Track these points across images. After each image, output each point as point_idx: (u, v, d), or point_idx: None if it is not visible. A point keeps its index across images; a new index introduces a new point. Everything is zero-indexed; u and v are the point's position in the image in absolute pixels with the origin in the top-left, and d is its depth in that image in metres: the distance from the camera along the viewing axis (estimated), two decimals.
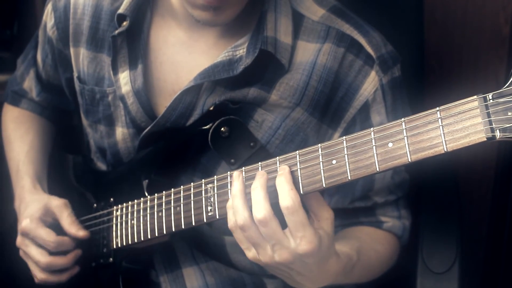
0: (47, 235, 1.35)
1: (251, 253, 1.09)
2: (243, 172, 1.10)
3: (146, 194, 1.31)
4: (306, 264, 1.06)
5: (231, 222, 1.07)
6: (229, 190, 1.13)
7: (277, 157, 1.08)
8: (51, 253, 1.36)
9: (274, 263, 1.06)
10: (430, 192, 1.57)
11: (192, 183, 1.20)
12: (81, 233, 1.37)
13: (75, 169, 1.53)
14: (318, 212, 1.06)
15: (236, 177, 1.08)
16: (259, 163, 1.10)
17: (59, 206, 1.39)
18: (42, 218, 1.38)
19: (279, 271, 1.10)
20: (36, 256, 1.36)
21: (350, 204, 1.35)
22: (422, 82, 1.74)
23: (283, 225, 1.04)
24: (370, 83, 1.28)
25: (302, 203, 1.03)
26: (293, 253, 1.04)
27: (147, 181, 1.32)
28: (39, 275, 1.38)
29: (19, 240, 1.39)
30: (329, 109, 1.29)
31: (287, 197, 1.02)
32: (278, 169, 1.06)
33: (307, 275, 1.09)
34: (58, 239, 1.36)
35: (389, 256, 1.36)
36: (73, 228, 1.37)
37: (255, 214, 1.03)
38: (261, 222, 1.03)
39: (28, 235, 1.37)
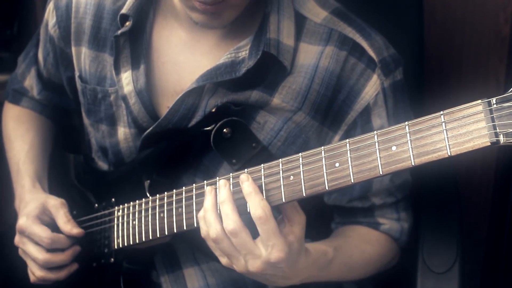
0: (42, 232, 1.35)
1: (224, 260, 1.14)
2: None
3: (148, 195, 1.31)
4: (278, 268, 1.10)
5: (203, 232, 1.12)
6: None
7: (280, 160, 1.08)
8: (49, 250, 1.36)
9: (247, 272, 1.11)
10: (431, 192, 1.57)
11: (194, 184, 1.20)
12: (75, 230, 1.37)
13: (76, 169, 1.53)
14: (291, 216, 1.09)
15: (209, 192, 1.13)
16: (262, 165, 1.10)
17: (55, 205, 1.39)
18: (39, 216, 1.38)
19: (254, 277, 1.15)
20: (33, 253, 1.36)
21: (348, 203, 1.36)
22: (422, 82, 1.73)
23: (255, 234, 1.08)
24: (372, 87, 1.28)
25: (275, 207, 1.08)
26: (265, 262, 1.08)
27: (148, 181, 1.32)
28: (37, 273, 1.37)
29: (17, 239, 1.39)
30: (331, 111, 1.30)
31: (258, 208, 1.06)
32: (241, 179, 1.10)
33: (280, 275, 1.13)
34: (53, 236, 1.35)
35: (379, 257, 1.37)
36: (68, 226, 1.36)
37: (225, 226, 1.08)
38: (231, 233, 1.07)
39: (25, 233, 1.37)
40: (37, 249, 1.36)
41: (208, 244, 1.13)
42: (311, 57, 1.28)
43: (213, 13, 1.18)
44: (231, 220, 1.07)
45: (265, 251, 1.07)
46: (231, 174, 1.14)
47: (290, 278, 1.16)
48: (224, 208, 1.09)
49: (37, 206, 1.39)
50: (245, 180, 1.09)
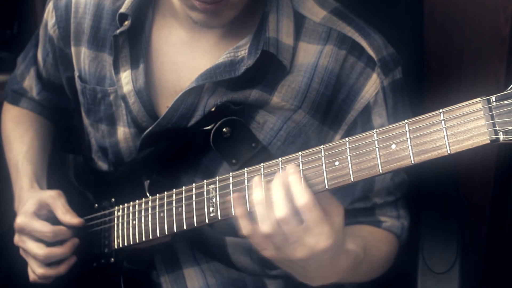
0: (43, 227, 1.35)
1: (267, 252, 1.09)
2: (246, 173, 1.10)
3: (148, 195, 1.31)
4: (321, 260, 1.06)
5: (246, 230, 1.08)
6: (231, 191, 1.13)
7: (280, 158, 1.08)
8: (50, 244, 1.36)
9: (292, 260, 1.07)
10: (431, 192, 1.57)
11: (194, 184, 1.20)
12: (75, 220, 1.36)
13: (75, 169, 1.53)
14: (329, 208, 1.06)
15: (258, 183, 1.08)
16: (261, 164, 1.10)
17: (52, 196, 1.39)
18: (37, 212, 1.38)
19: (294, 267, 1.11)
20: (34, 250, 1.36)
21: (350, 205, 1.35)
22: (422, 82, 1.74)
23: None
24: (372, 86, 1.28)
25: None
26: (312, 250, 1.04)
27: (148, 181, 1.32)
28: (37, 270, 1.37)
29: (16, 238, 1.39)
30: (331, 111, 1.30)
31: (303, 195, 1.02)
32: (287, 168, 1.06)
33: (320, 270, 1.10)
34: (55, 228, 1.35)
35: (390, 255, 1.36)
36: (67, 217, 1.36)
37: (276, 213, 1.03)
38: (282, 220, 1.03)
39: (24, 230, 1.37)
40: (37, 245, 1.36)
41: (251, 242, 1.09)
42: (311, 56, 1.28)
43: (213, 12, 1.18)
44: (284, 206, 1.03)
45: (313, 239, 1.04)
46: (230, 173, 1.14)
47: (326, 277, 1.13)
48: (276, 193, 1.04)
49: (34, 203, 1.39)
50: (291, 168, 1.06)
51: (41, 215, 1.38)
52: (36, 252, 1.35)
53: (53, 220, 1.38)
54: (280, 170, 1.08)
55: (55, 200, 1.38)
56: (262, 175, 1.10)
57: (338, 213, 1.07)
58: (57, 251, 1.36)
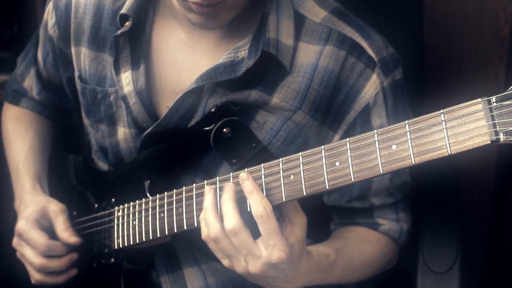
0: (39, 238, 1.35)
1: (226, 262, 1.13)
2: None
3: (148, 195, 1.30)
4: (279, 270, 1.09)
5: (204, 233, 1.12)
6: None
7: (280, 159, 1.08)
8: (45, 256, 1.36)
9: (248, 273, 1.10)
10: (431, 192, 1.57)
11: (194, 184, 1.20)
12: (72, 239, 1.37)
13: (75, 169, 1.53)
14: (292, 218, 1.09)
15: (207, 191, 1.13)
16: (262, 164, 1.10)
17: (55, 211, 1.39)
18: (39, 221, 1.38)
19: (255, 279, 1.14)
20: (30, 257, 1.36)
21: (347, 203, 1.36)
22: (422, 82, 1.73)
23: (256, 236, 1.08)
24: (371, 86, 1.28)
25: (276, 208, 1.07)
26: (266, 262, 1.07)
27: (148, 181, 1.32)
28: (35, 276, 1.38)
29: (15, 241, 1.39)
30: (330, 111, 1.29)
31: (259, 206, 1.05)
32: (241, 177, 1.09)
33: (282, 278, 1.12)
34: (49, 243, 1.35)
35: (379, 258, 1.36)
36: (66, 234, 1.36)
37: (225, 225, 1.07)
38: (231, 232, 1.07)
39: (22, 236, 1.37)
40: (34, 254, 1.36)
41: (209, 246, 1.13)
42: (311, 57, 1.28)
43: (210, 15, 1.18)
44: (232, 219, 1.07)
45: (266, 251, 1.06)
46: (231, 173, 1.14)
47: (291, 282, 1.15)
48: (225, 207, 1.09)
49: (37, 210, 1.39)
50: (246, 178, 1.09)
51: (42, 224, 1.39)
52: (32, 260, 1.36)
53: (53, 231, 1.38)
54: (262, 176, 1.10)
55: (57, 215, 1.38)
56: (231, 178, 1.13)
57: (300, 224, 1.09)
58: (52, 263, 1.36)
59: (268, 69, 1.26)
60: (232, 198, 1.09)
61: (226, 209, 1.08)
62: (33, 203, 1.41)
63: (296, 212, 1.09)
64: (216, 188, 1.14)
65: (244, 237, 1.07)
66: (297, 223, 1.09)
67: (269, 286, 1.16)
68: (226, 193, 1.10)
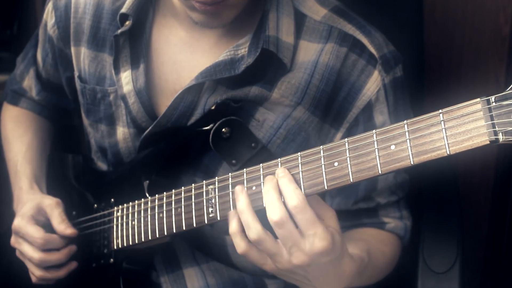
0: (35, 232, 1.35)
1: (268, 266, 1.08)
2: (245, 174, 1.10)
3: (147, 195, 1.30)
4: (322, 264, 1.04)
5: (240, 248, 1.07)
6: (230, 192, 1.12)
7: (279, 159, 1.08)
8: (43, 249, 1.36)
9: (292, 267, 1.05)
10: (431, 192, 1.57)
11: (193, 184, 1.20)
12: (68, 231, 1.36)
13: (75, 169, 1.53)
14: (320, 212, 1.05)
15: (240, 191, 1.08)
16: (261, 164, 1.09)
17: (50, 204, 1.39)
18: (34, 217, 1.38)
19: (296, 276, 1.09)
20: (29, 253, 1.36)
21: (354, 205, 1.35)
22: (422, 82, 1.74)
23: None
24: (373, 83, 1.28)
25: None
26: (309, 253, 1.02)
27: (148, 181, 1.32)
28: (36, 272, 1.37)
29: (13, 239, 1.39)
30: (332, 108, 1.29)
31: (293, 197, 1.01)
32: (277, 171, 1.05)
33: (323, 277, 1.08)
34: (46, 236, 1.35)
35: (394, 257, 1.36)
36: (62, 226, 1.36)
37: (270, 216, 1.02)
38: (277, 223, 1.02)
39: (19, 233, 1.37)
40: (32, 249, 1.36)
41: (248, 259, 1.08)
42: (311, 54, 1.28)
43: (213, 13, 1.18)
44: (278, 209, 1.02)
45: (308, 242, 1.02)
46: (229, 174, 1.14)
47: (332, 285, 1.10)
48: (269, 197, 1.03)
49: (33, 206, 1.39)
50: (281, 172, 1.05)
51: (39, 220, 1.38)
52: (31, 255, 1.36)
53: (50, 226, 1.38)
54: (261, 176, 1.07)
55: (52, 209, 1.38)
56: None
57: (331, 216, 1.06)
58: (52, 257, 1.36)
59: (268, 66, 1.26)
60: (275, 188, 1.04)
61: (270, 199, 1.03)
62: (28, 201, 1.42)
63: (323, 205, 1.05)
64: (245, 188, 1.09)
65: (290, 228, 1.01)
66: (328, 216, 1.05)
67: (308, 287, 1.12)
68: (268, 183, 1.05)
